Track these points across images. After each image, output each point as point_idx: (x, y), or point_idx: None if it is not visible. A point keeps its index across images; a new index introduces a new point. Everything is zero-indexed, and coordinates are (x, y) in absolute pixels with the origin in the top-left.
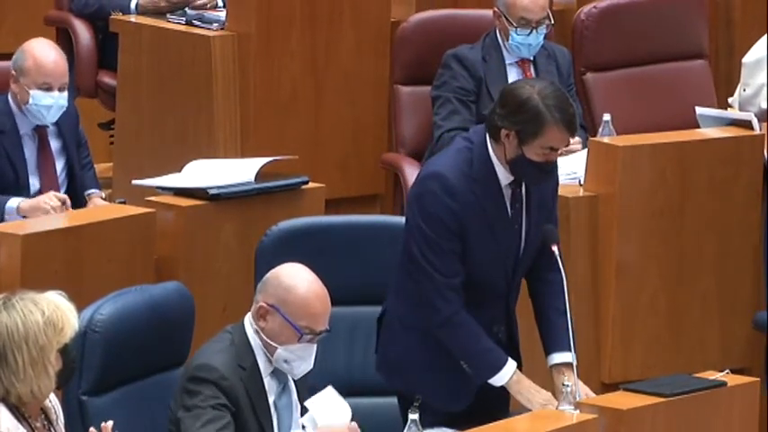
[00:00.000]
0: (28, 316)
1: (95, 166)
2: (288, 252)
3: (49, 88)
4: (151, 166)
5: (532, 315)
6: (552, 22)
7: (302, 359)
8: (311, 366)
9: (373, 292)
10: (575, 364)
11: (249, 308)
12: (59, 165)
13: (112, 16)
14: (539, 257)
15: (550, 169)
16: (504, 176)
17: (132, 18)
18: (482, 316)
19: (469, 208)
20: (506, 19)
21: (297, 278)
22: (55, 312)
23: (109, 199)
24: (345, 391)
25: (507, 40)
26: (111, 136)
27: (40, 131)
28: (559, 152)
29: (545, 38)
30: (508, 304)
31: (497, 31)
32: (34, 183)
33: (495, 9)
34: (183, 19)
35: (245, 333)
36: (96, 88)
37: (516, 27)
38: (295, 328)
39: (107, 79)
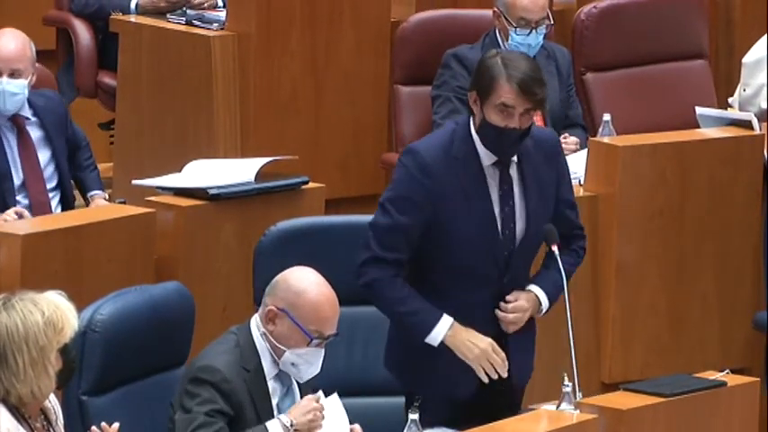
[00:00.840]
0: (28, 316)
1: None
2: (286, 252)
3: None
4: (151, 166)
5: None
6: (552, 22)
7: (310, 363)
8: (318, 370)
9: None
10: (574, 363)
11: (249, 308)
12: (44, 156)
13: (112, 16)
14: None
15: (512, 136)
16: (487, 156)
17: (132, 18)
18: (475, 304)
19: (446, 186)
20: (506, 19)
21: (307, 282)
22: (55, 312)
23: (109, 199)
24: (345, 391)
25: (507, 41)
26: (112, 136)
27: (17, 121)
28: (520, 118)
29: (545, 38)
30: (503, 292)
31: (497, 31)
32: (17, 174)
33: (495, 9)
34: (183, 19)
35: (251, 335)
36: (96, 88)
37: (516, 27)
38: (305, 333)
39: (107, 79)
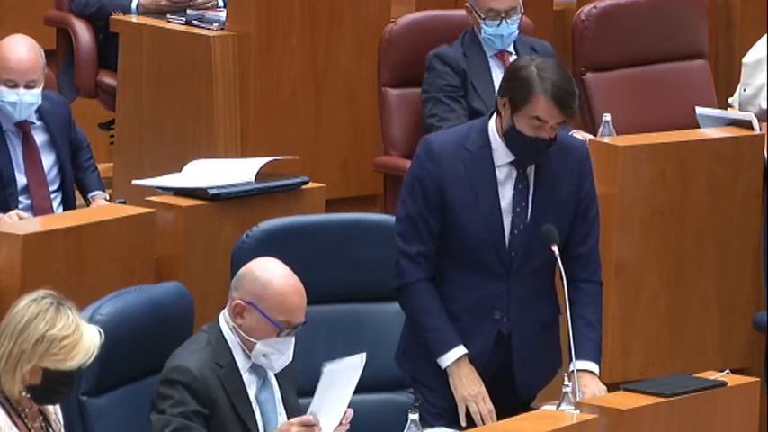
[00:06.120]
0: (41, 320)
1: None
2: (267, 253)
3: (14, 85)
4: (151, 166)
5: None
6: (522, 10)
7: (281, 352)
8: (290, 359)
9: (354, 289)
10: (574, 369)
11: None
12: (49, 160)
13: (113, 16)
14: (571, 261)
15: (540, 146)
16: (505, 154)
17: (133, 18)
18: (479, 298)
19: (451, 175)
20: (476, 12)
21: (272, 273)
22: (66, 340)
23: (109, 199)
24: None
25: (481, 34)
26: (112, 136)
27: (23, 127)
28: (551, 129)
29: (519, 28)
30: (510, 291)
31: (475, 27)
32: (21, 179)
33: (467, 5)
34: (183, 19)
35: (221, 331)
36: (96, 88)
37: (485, 19)
38: (273, 324)
39: (107, 79)
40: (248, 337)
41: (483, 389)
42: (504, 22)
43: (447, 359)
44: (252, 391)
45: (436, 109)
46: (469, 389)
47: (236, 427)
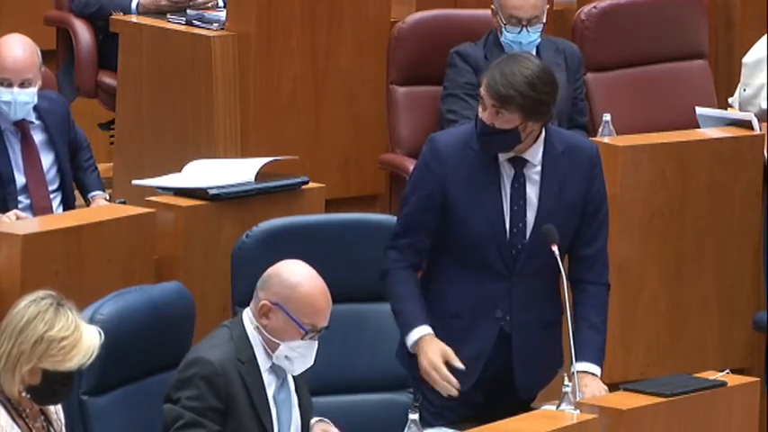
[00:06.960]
0: (41, 320)
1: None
2: (267, 253)
3: (9, 84)
4: (151, 166)
5: None
6: (544, 22)
7: (304, 356)
8: (312, 363)
9: (354, 289)
10: (574, 370)
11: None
12: (48, 159)
13: (113, 16)
14: (577, 262)
15: (483, 127)
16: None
17: (132, 18)
18: (481, 297)
19: (456, 173)
20: (500, 16)
21: (300, 275)
22: (65, 341)
23: (109, 199)
24: (326, 389)
25: (502, 37)
26: (112, 136)
27: (21, 126)
28: (489, 115)
29: (541, 36)
30: (511, 290)
31: (497, 30)
32: (20, 178)
33: (492, 6)
34: (183, 19)
35: (244, 328)
36: (96, 88)
37: (506, 24)
38: (299, 326)
39: (107, 79)
40: (272, 339)
41: (432, 356)
42: (525, 29)
43: (410, 339)
44: (270, 391)
45: (455, 105)
46: (423, 361)
47: (252, 424)
